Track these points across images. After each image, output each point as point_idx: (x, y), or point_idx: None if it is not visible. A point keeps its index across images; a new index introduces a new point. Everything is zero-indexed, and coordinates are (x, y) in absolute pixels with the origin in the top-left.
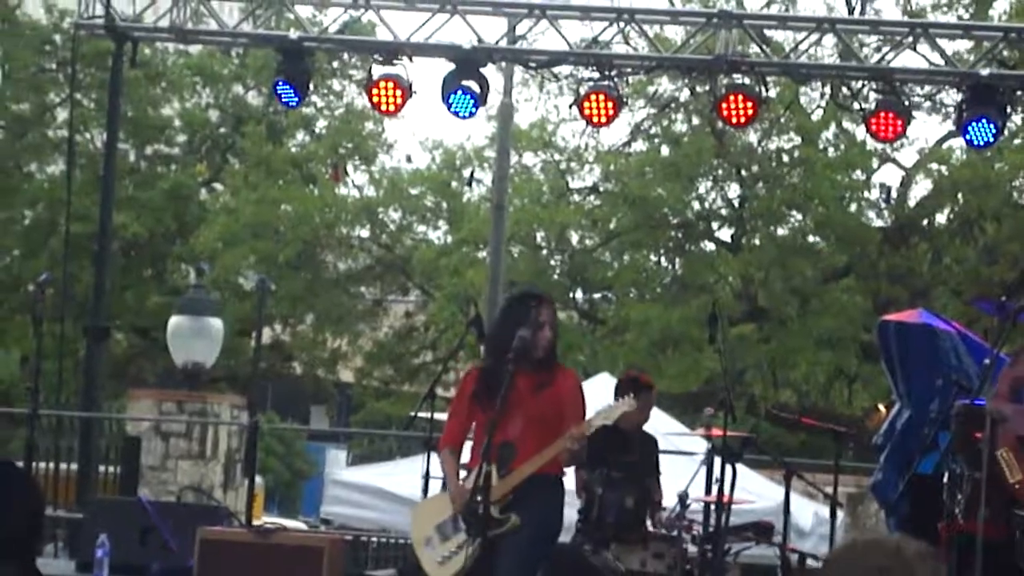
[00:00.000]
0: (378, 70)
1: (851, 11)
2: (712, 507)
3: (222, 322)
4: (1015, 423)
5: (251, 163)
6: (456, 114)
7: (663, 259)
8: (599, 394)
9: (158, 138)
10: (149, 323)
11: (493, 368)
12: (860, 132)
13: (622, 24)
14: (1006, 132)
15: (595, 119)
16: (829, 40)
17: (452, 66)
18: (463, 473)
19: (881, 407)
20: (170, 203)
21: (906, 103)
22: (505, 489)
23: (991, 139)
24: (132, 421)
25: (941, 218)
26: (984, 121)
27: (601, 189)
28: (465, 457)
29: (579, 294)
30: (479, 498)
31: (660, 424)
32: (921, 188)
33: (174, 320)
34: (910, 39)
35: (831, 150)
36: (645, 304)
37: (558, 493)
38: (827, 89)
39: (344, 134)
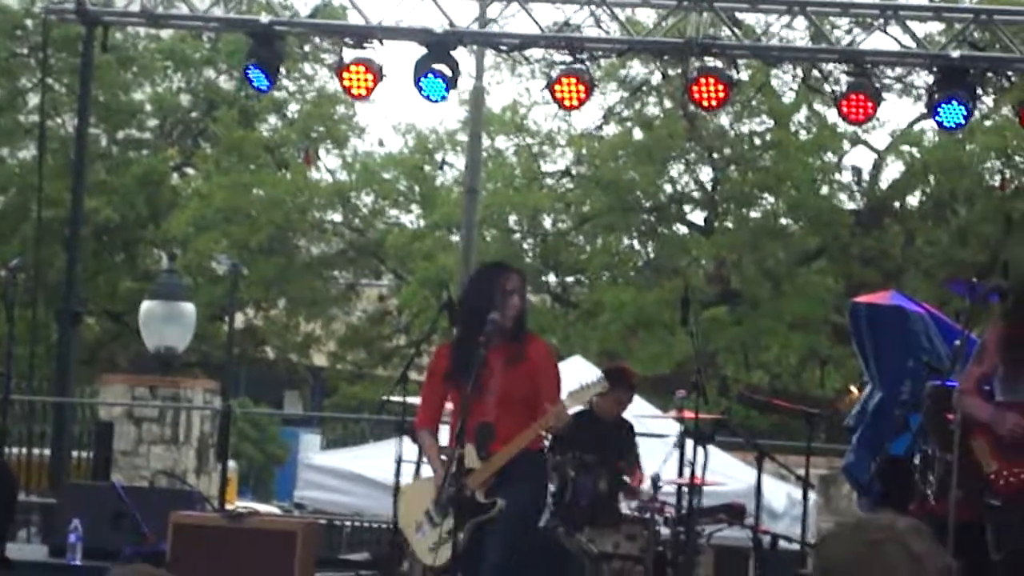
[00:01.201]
0: (349, 54)
1: None
2: (684, 489)
3: (194, 307)
4: (995, 422)
5: (223, 148)
6: (427, 98)
7: (636, 242)
8: (571, 376)
9: (129, 123)
10: (121, 308)
11: (464, 342)
12: (832, 115)
13: (593, 7)
14: (977, 114)
15: (567, 102)
16: (800, 23)
17: (423, 50)
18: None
19: (853, 389)
20: (142, 188)
21: (877, 85)
22: (488, 472)
23: (962, 121)
24: (105, 406)
25: (913, 200)
26: (955, 103)
27: (573, 173)
28: (444, 440)
29: (552, 278)
30: (460, 484)
31: (633, 407)
32: (893, 170)
33: (146, 305)
34: (881, 21)
35: (803, 133)
36: (618, 287)
37: (541, 468)
38: (798, 71)
39: (316, 118)
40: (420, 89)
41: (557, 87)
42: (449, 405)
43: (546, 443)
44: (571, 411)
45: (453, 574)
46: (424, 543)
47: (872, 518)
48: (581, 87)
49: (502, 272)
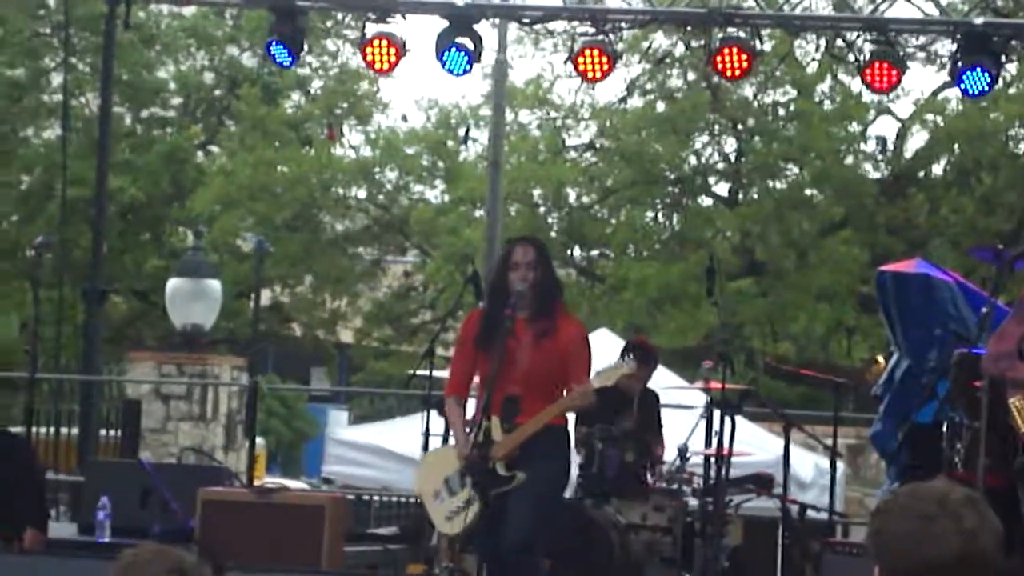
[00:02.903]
0: (371, 28)
1: None
2: (712, 460)
3: (220, 284)
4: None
5: (247, 125)
6: (450, 72)
7: (660, 215)
8: (597, 350)
9: (153, 101)
10: (147, 286)
11: (491, 315)
12: (856, 84)
13: None
14: (1001, 81)
15: (590, 74)
16: None
17: (446, 23)
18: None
19: (880, 358)
20: (166, 166)
21: (901, 54)
22: (510, 446)
23: (986, 88)
24: (132, 384)
25: (938, 169)
26: (979, 70)
27: (597, 146)
28: (471, 412)
29: (577, 251)
30: (483, 455)
31: (659, 378)
32: (917, 139)
33: (172, 283)
34: None
35: (827, 103)
36: (643, 262)
37: (564, 445)
38: (822, 41)
39: (339, 94)
40: (443, 63)
41: (580, 59)
42: (477, 378)
43: (571, 420)
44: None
45: (472, 545)
46: (441, 511)
47: (926, 489)
48: (604, 59)
49: (513, 245)
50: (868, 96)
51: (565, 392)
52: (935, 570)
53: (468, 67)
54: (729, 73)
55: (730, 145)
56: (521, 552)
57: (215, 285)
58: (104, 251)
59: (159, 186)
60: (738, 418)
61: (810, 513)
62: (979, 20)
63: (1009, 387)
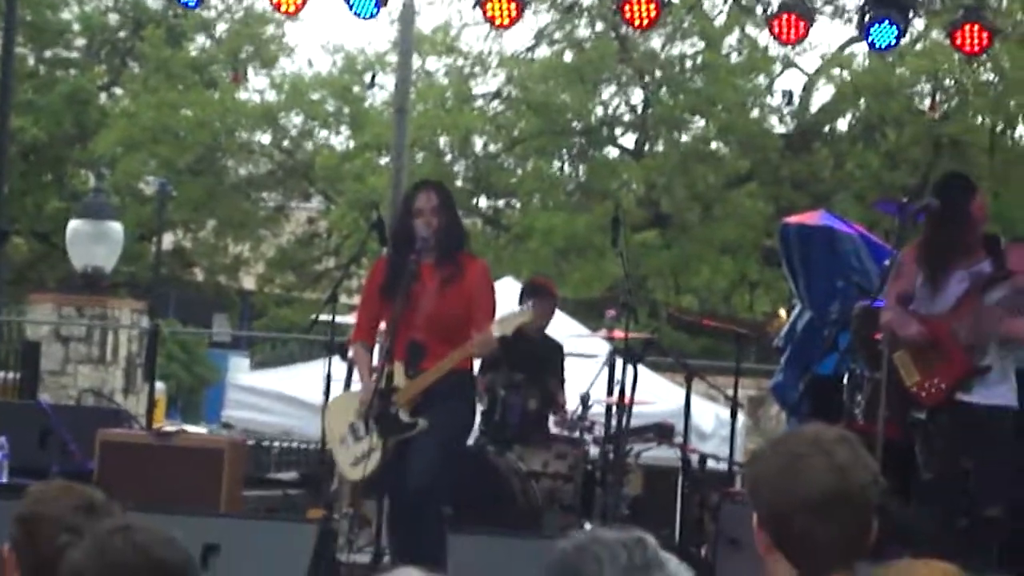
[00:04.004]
0: None
1: None
2: (613, 408)
3: (122, 227)
4: (900, 326)
5: (151, 67)
6: (357, 15)
7: (567, 165)
8: (502, 298)
9: (57, 42)
10: (49, 228)
11: (395, 261)
12: (763, 38)
13: None
14: (907, 37)
15: (498, 20)
16: None
17: None
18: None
19: (782, 312)
20: (69, 107)
21: (809, 6)
22: (414, 391)
23: (893, 41)
24: (31, 325)
25: (843, 124)
26: (887, 23)
27: (504, 94)
28: (377, 358)
29: (483, 200)
30: (386, 400)
31: (563, 327)
32: (823, 94)
33: (73, 224)
34: None
35: (734, 55)
36: (549, 211)
37: (468, 390)
38: None
39: (244, 37)
40: (350, 5)
41: (488, 4)
42: (383, 325)
43: (475, 363)
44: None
45: (380, 492)
46: (347, 456)
47: (799, 431)
48: (512, 5)
49: (415, 191)
50: (775, 49)
51: (470, 336)
52: (812, 508)
53: (375, 10)
54: (637, 22)
55: (637, 96)
56: (423, 497)
57: (117, 228)
58: (5, 192)
59: (61, 127)
60: (640, 368)
61: (710, 463)
62: None
63: (890, 343)
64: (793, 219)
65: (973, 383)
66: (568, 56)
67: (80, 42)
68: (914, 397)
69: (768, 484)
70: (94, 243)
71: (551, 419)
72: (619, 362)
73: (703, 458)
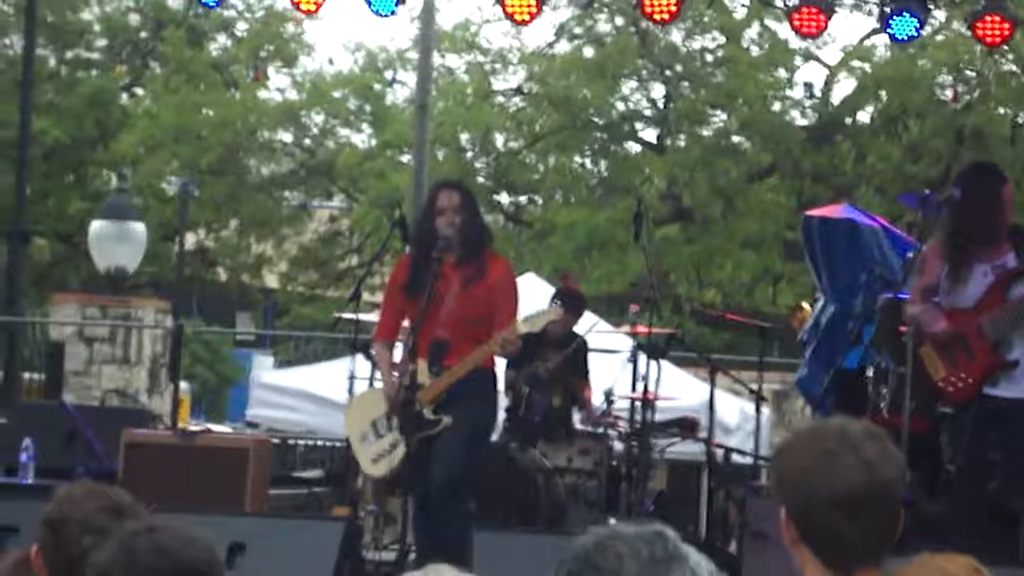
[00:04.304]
0: None
1: None
2: (637, 404)
3: (144, 227)
4: (927, 321)
5: (172, 67)
6: (377, 12)
7: (588, 161)
8: (524, 295)
9: (78, 43)
10: (71, 229)
11: (418, 260)
12: (783, 31)
13: None
14: (928, 29)
15: (518, 16)
16: None
17: None
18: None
19: (805, 305)
20: (91, 108)
21: None
22: (438, 389)
23: (914, 33)
24: (56, 327)
25: (864, 116)
26: (906, 15)
27: (525, 91)
28: (400, 355)
29: (504, 197)
30: (409, 398)
31: (586, 323)
32: (845, 86)
33: (96, 225)
34: None
35: (755, 49)
36: (571, 207)
37: (491, 388)
38: None
39: (265, 37)
40: (369, 3)
41: (508, 1)
42: (406, 322)
43: (498, 361)
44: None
45: (406, 490)
46: (368, 453)
47: (825, 425)
48: (532, 1)
49: (437, 189)
50: (796, 43)
51: (493, 335)
52: (840, 504)
53: (394, 8)
54: (657, 17)
55: (658, 91)
56: (449, 494)
57: (139, 228)
58: (27, 193)
59: (83, 128)
60: (664, 362)
61: (735, 457)
62: None
63: (922, 336)
64: (816, 212)
65: (1000, 377)
66: (589, 51)
67: (101, 43)
68: (941, 392)
69: (796, 480)
70: (117, 244)
71: (575, 415)
72: (643, 357)
73: (728, 452)
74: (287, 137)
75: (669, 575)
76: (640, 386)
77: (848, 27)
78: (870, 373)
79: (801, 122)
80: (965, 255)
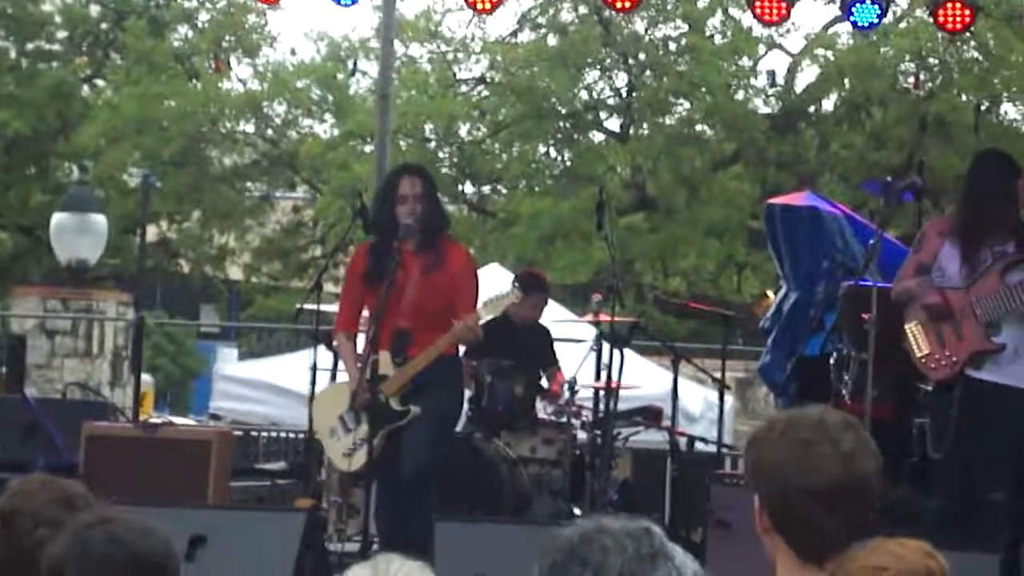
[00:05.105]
0: None
1: None
2: (601, 393)
3: (106, 219)
4: (921, 293)
5: (133, 58)
6: (339, 2)
7: (552, 150)
8: (488, 285)
9: (38, 34)
10: (33, 222)
11: (378, 248)
12: (746, 19)
13: None
14: (890, 16)
15: (480, 5)
16: None
17: None
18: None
19: (769, 293)
20: (52, 100)
21: None
22: (403, 379)
23: (875, 20)
24: (17, 319)
25: (828, 104)
26: (868, 2)
27: (488, 80)
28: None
29: (468, 187)
30: (374, 390)
31: (549, 312)
32: (808, 74)
33: (57, 217)
34: None
35: (717, 37)
36: (535, 197)
37: (457, 376)
38: None
39: (226, 27)
40: None
41: None
42: (366, 312)
43: (462, 349)
44: (484, 321)
45: (369, 481)
46: (338, 448)
47: (803, 414)
48: None
49: (397, 176)
50: (759, 31)
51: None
52: (817, 495)
53: None
54: (620, 5)
55: (621, 80)
56: (417, 485)
57: (101, 220)
58: None
59: (44, 120)
60: (627, 351)
61: (699, 445)
62: None
63: (909, 311)
64: (778, 200)
65: (985, 360)
66: (552, 40)
67: (62, 34)
68: (923, 368)
69: (771, 470)
70: (78, 236)
71: (540, 403)
72: (606, 346)
73: (692, 440)
74: (249, 128)
75: (654, 572)
76: (603, 375)
77: (811, 15)
78: (832, 360)
79: (764, 110)
80: (975, 241)
